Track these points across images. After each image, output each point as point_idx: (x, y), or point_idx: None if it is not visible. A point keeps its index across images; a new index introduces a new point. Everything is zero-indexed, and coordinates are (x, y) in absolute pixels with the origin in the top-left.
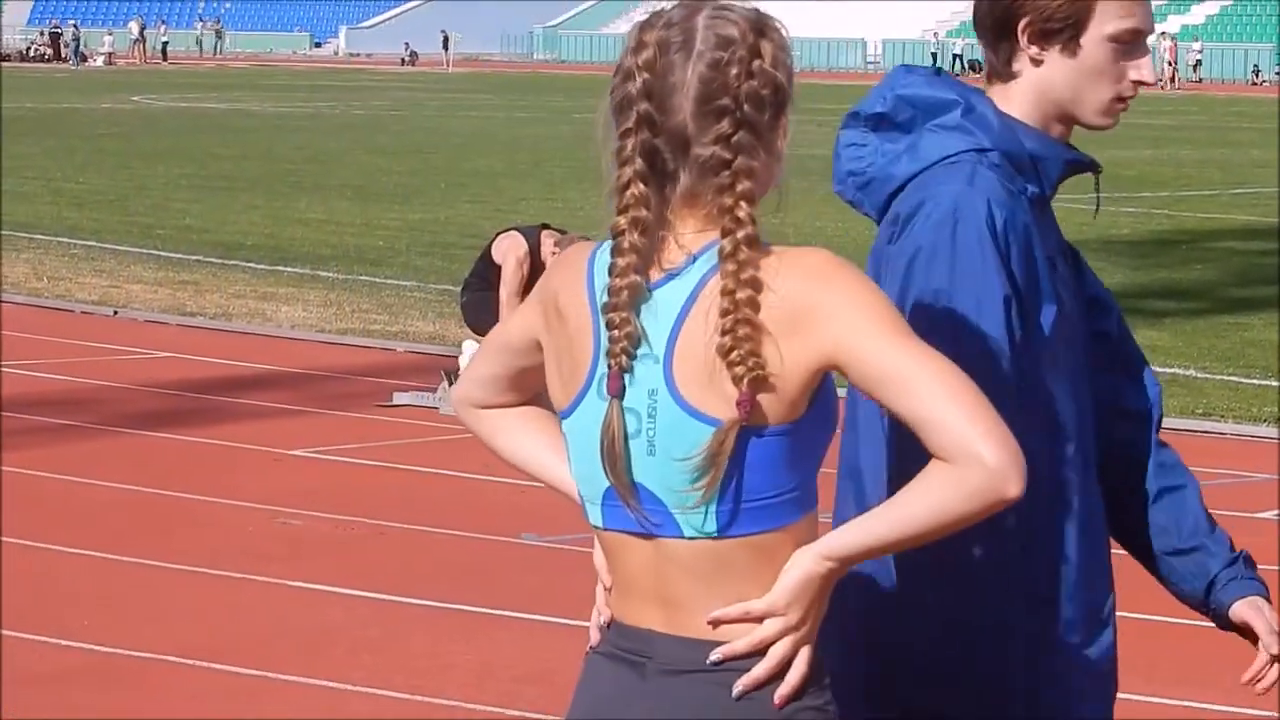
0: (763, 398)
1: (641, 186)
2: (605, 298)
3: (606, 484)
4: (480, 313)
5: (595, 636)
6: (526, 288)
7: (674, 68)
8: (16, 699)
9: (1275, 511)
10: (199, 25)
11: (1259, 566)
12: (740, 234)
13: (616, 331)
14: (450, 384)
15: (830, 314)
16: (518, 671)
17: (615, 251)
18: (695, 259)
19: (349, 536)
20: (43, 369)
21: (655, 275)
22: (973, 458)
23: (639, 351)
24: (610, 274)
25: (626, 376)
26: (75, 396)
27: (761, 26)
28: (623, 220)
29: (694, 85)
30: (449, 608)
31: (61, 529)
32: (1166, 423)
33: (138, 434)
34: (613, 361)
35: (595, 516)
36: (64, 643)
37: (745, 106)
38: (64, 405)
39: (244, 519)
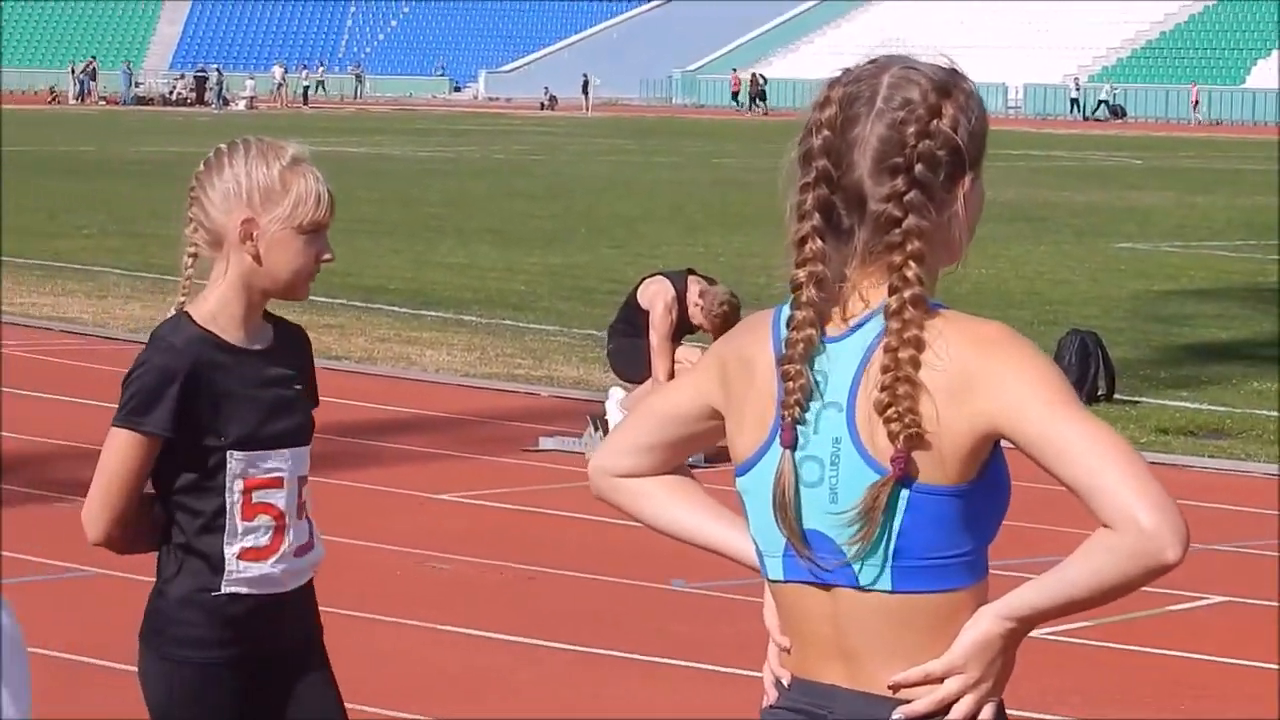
0: (932, 458)
1: (819, 242)
2: (783, 349)
3: (782, 539)
4: (628, 360)
5: (772, 694)
6: (675, 333)
7: (854, 124)
8: None
9: None
10: (351, 69)
11: None
12: (907, 293)
13: (791, 384)
14: (596, 429)
15: (999, 383)
16: (672, 718)
17: (794, 305)
18: (875, 313)
19: (499, 581)
20: None
21: (840, 328)
22: (1130, 522)
23: (826, 400)
24: (788, 326)
25: (809, 425)
26: None
27: (946, 87)
28: (801, 274)
29: (872, 143)
30: (600, 653)
31: None
32: None
33: None
34: (786, 413)
35: (775, 570)
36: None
37: (919, 166)
38: None
39: (394, 563)
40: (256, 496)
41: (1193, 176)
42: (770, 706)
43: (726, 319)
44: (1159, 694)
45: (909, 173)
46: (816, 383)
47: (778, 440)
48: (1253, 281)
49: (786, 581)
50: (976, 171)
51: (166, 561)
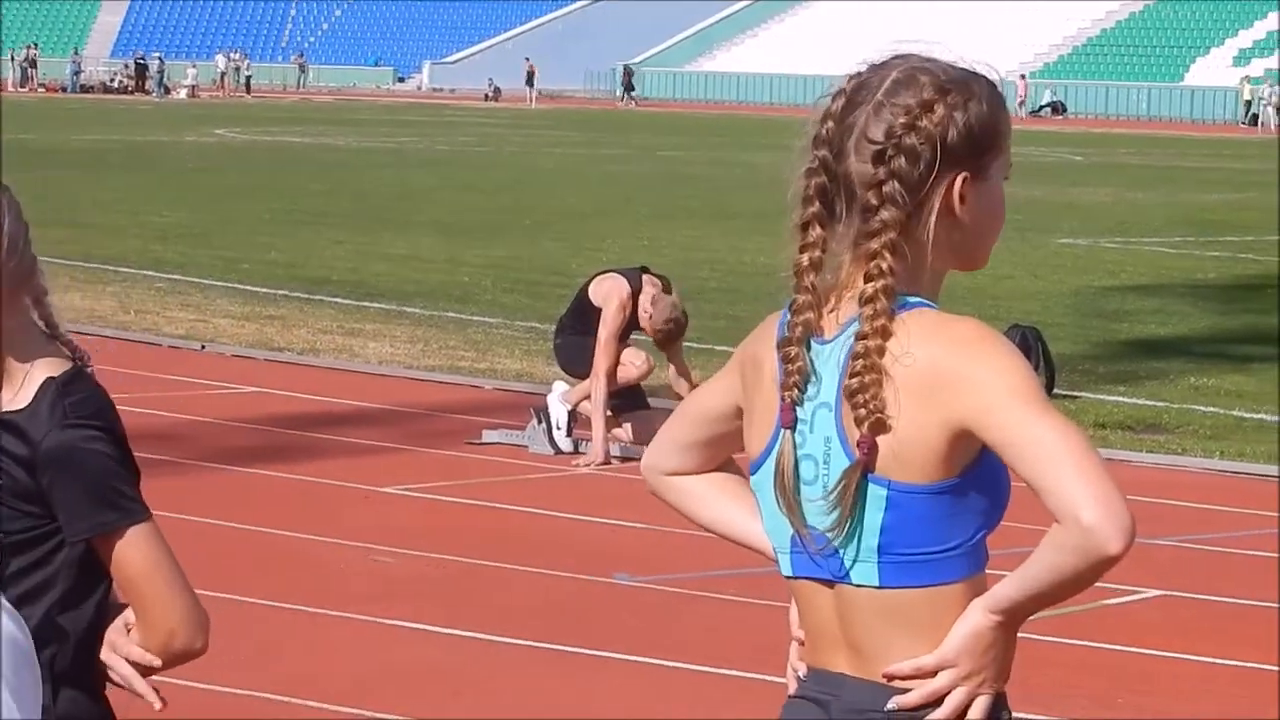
0: (908, 456)
1: (819, 229)
2: (784, 333)
3: (791, 531)
4: (575, 356)
5: (792, 685)
6: (624, 331)
7: (854, 114)
8: None
9: None
10: (294, 59)
11: None
12: (879, 283)
13: (790, 365)
14: (540, 422)
15: (967, 383)
16: (616, 712)
17: (795, 289)
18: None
19: (443, 575)
20: (131, 403)
21: (833, 329)
22: (1073, 519)
23: (819, 400)
24: (790, 310)
25: (806, 424)
26: (164, 431)
27: (946, 86)
28: (804, 259)
29: (864, 133)
30: (545, 647)
31: None
32: (1257, 468)
33: (227, 469)
34: (785, 394)
35: (785, 566)
36: (155, 679)
37: (900, 159)
38: (153, 440)
39: (337, 556)
40: None
41: (1132, 173)
42: (791, 696)
43: (669, 336)
44: (1096, 688)
45: (889, 164)
46: (811, 382)
47: (780, 430)
48: (1191, 278)
49: (796, 578)
50: (975, 172)
51: None
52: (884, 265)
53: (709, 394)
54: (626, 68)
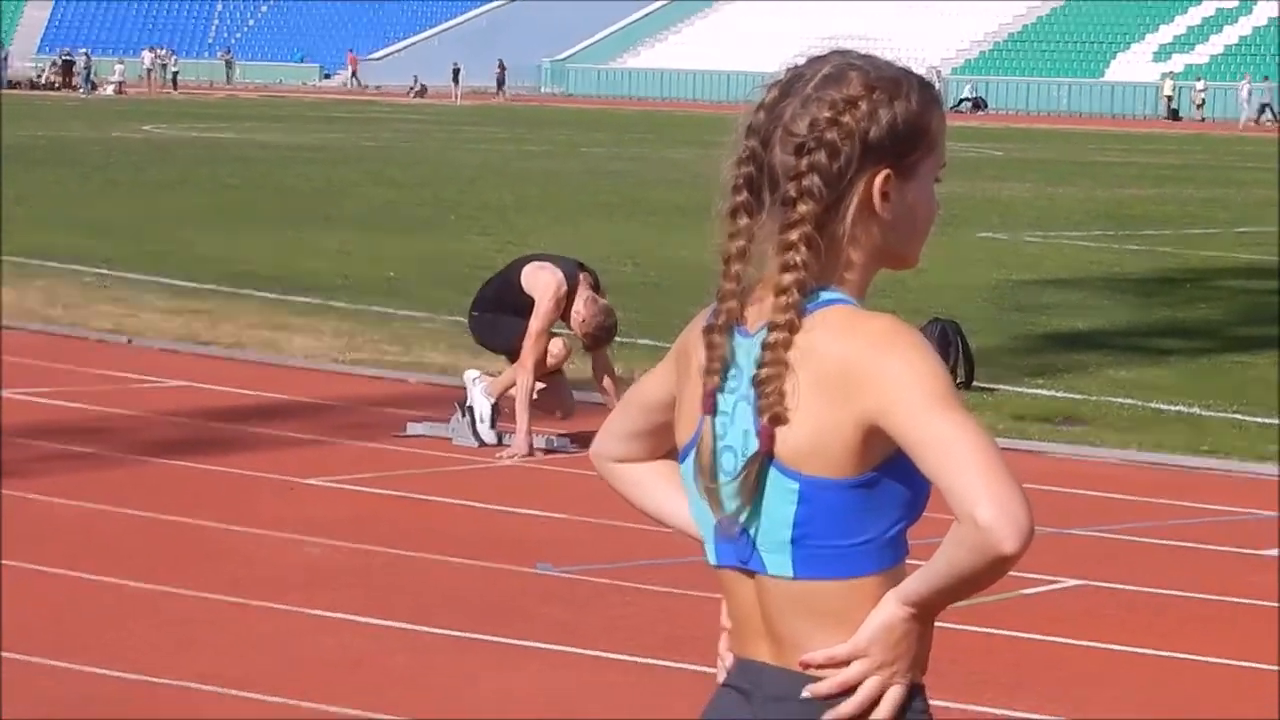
0: (819, 451)
1: (746, 218)
2: (709, 320)
3: (714, 519)
4: (491, 330)
5: (721, 675)
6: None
7: (784, 107)
8: None
9: (1277, 549)
10: (220, 55)
11: (1261, 603)
12: (791, 276)
13: (711, 352)
14: (463, 415)
15: (877, 380)
16: (540, 701)
17: (722, 276)
18: None
19: (367, 566)
20: (58, 396)
21: (755, 322)
22: (969, 518)
23: (740, 394)
24: (717, 298)
25: (728, 415)
26: (91, 424)
27: (875, 83)
28: (731, 248)
29: (790, 126)
30: (469, 637)
31: (77, 556)
32: (1174, 460)
33: (154, 462)
34: (706, 380)
35: (710, 555)
36: (78, 668)
37: (820, 153)
38: (80, 433)
39: (262, 547)
40: None
41: (1052, 168)
42: (720, 685)
43: (596, 340)
44: (1011, 677)
45: (809, 156)
46: (733, 374)
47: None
48: (1110, 271)
49: (720, 567)
50: (900, 170)
51: None
52: (797, 258)
53: (649, 384)
54: (500, 63)
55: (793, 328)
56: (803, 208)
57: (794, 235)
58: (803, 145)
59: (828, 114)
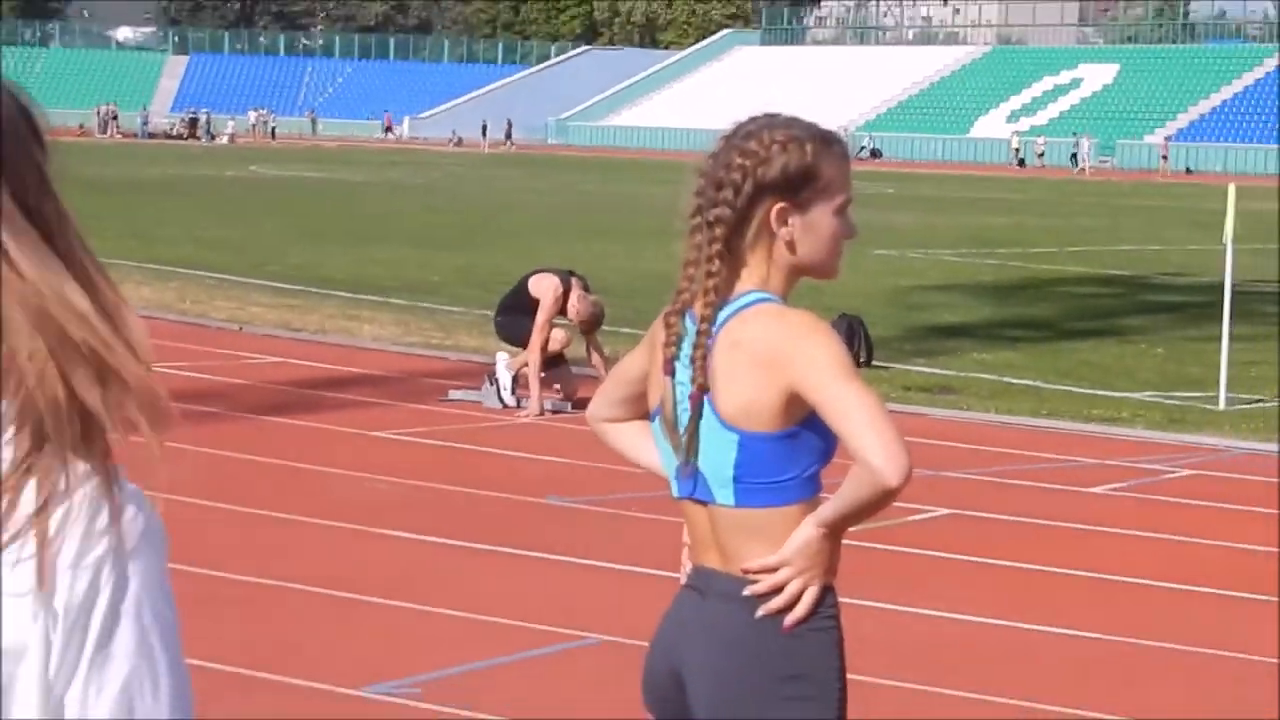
0: (754, 413)
1: (697, 237)
2: (669, 307)
3: (676, 463)
4: (511, 329)
5: (683, 579)
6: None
7: (719, 153)
8: None
9: (1101, 487)
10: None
11: (1081, 527)
12: (710, 282)
13: (669, 330)
14: (491, 383)
15: (796, 358)
16: (548, 598)
17: (681, 277)
18: (724, 303)
19: (419, 498)
20: (189, 369)
21: (708, 311)
22: (865, 460)
23: (688, 364)
24: (675, 291)
25: (683, 385)
26: (212, 390)
27: (780, 138)
28: (689, 255)
29: (716, 166)
30: (496, 550)
31: (206, 490)
32: (1022, 420)
33: (259, 419)
34: (665, 350)
35: (674, 490)
36: (212, 573)
37: (728, 190)
38: (204, 397)
39: (341, 483)
40: None
41: (931, 203)
42: (681, 586)
43: (591, 325)
44: (899, 581)
45: (721, 191)
46: (685, 349)
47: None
48: (974, 279)
49: (680, 499)
50: (794, 205)
51: None
52: (713, 268)
53: (629, 362)
54: (509, 121)
55: (711, 320)
56: (716, 230)
57: (711, 250)
58: (720, 182)
59: (738, 160)
